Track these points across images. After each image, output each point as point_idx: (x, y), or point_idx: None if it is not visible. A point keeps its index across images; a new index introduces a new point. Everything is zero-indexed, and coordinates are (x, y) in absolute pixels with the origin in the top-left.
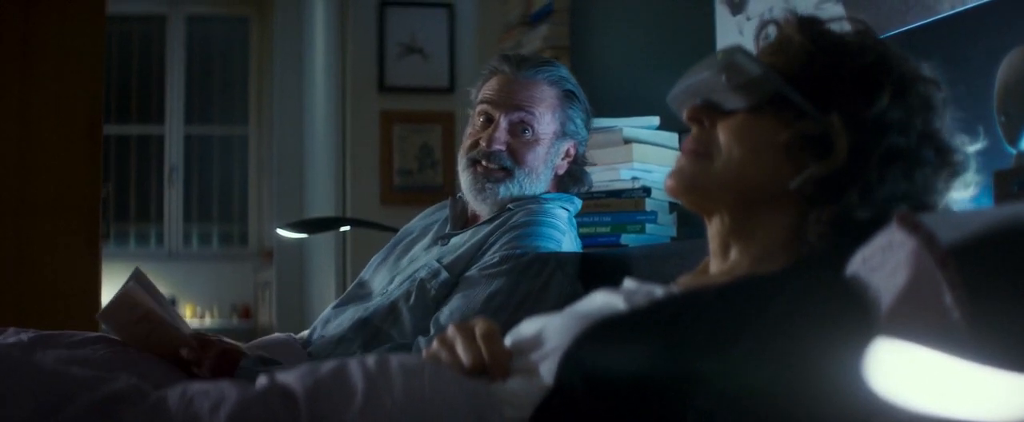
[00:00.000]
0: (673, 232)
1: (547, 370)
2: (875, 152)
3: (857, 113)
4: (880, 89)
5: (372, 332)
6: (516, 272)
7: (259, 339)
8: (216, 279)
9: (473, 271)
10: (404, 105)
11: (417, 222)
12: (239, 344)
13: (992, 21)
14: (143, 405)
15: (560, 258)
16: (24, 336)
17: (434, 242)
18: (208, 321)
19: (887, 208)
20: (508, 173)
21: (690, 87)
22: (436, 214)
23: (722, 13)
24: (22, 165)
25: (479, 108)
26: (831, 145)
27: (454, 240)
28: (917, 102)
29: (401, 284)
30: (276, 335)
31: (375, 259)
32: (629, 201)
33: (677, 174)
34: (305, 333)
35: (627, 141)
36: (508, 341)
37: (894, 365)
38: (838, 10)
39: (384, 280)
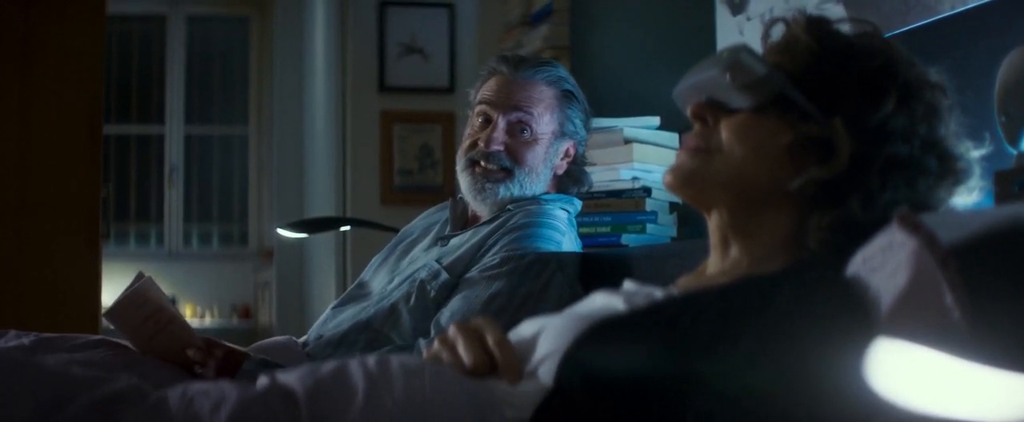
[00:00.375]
0: (673, 232)
1: (547, 371)
2: (877, 159)
3: (861, 118)
4: (885, 94)
5: (372, 334)
6: (516, 273)
7: (260, 342)
8: (216, 279)
9: (473, 272)
10: (404, 105)
11: (417, 223)
12: (242, 348)
13: (992, 21)
14: (143, 405)
15: (560, 259)
16: (25, 340)
17: (434, 243)
18: (208, 321)
19: (888, 214)
20: (507, 173)
21: (695, 84)
22: (436, 215)
23: (722, 13)
24: (22, 165)
25: (477, 109)
26: (833, 149)
27: (454, 241)
28: (922, 109)
29: (401, 285)
30: (277, 338)
31: (375, 260)
32: (629, 201)
33: (676, 169)
34: (306, 336)
35: (627, 141)
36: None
37: (894, 365)
38: (839, 10)
39: (384, 281)
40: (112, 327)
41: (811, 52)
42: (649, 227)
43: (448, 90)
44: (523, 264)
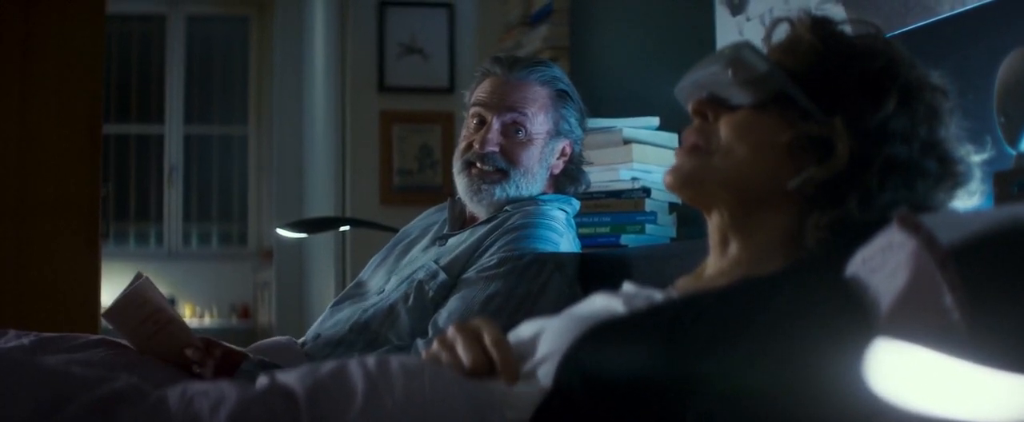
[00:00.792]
0: (673, 232)
1: (546, 372)
2: (877, 159)
3: (861, 118)
4: (886, 95)
5: (371, 335)
6: (515, 274)
7: (259, 342)
8: (215, 279)
9: (471, 273)
10: (404, 105)
11: (416, 223)
12: (240, 348)
13: (992, 22)
14: (143, 405)
15: (558, 260)
16: (25, 340)
17: (432, 243)
18: (207, 321)
19: (887, 215)
20: (503, 174)
21: (697, 80)
22: (435, 215)
23: (722, 13)
24: (21, 165)
25: (472, 110)
26: (833, 148)
27: (451, 241)
28: (923, 110)
29: (399, 285)
30: (276, 338)
31: (374, 260)
32: (629, 201)
33: (676, 170)
34: (305, 336)
35: (627, 141)
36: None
37: (894, 366)
38: (839, 11)
39: (382, 280)
40: (111, 327)
41: (814, 52)
42: (648, 227)
43: (448, 90)
44: (521, 264)
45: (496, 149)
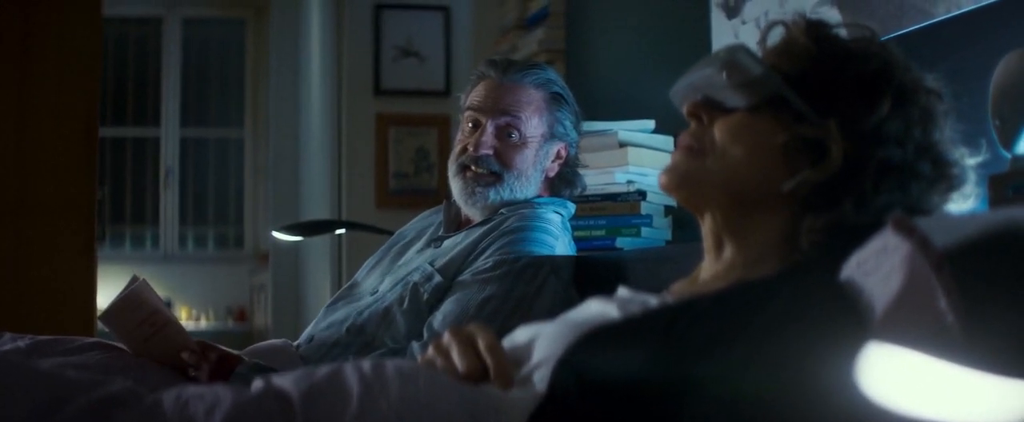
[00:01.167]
0: (668, 235)
1: (541, 378)
2: (871, 162)
3: (855, 121)
4: (881, 98)
5: (366, 337)
6: (510, 277)
7: (255, 345)
8: (212, 282)
9: (466, 275)
10: (400, 108)
11: (412, 225)
12: (237, 352)
13: (987, 25)
14: (138, 408)
15: (554, 263)
16: (21, 343)
17: (427, 245)
18: (203, 324)
19: (881, 218)
20: (497, 177)
21: (691, 82)
22: (431, 218)
23: (718, 17)
24: (18, 167)
25: (467, 114)
26: (828, 151)
27: (446, 243)
28: (917, 113)
29: (394, 288)
30: (272, 341)
31: (369, 261)
32: (624, 204)
33: (671, 170)
34: (300, 339)
35: (622, 144)
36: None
37: (888, 370)
38: (834, 14)
39: (376, 282)
40: (107, 330)
41: (809, 54)
42: (644, 230)
43: (444, 93)
44: (516, 268)
45: (490, 152)
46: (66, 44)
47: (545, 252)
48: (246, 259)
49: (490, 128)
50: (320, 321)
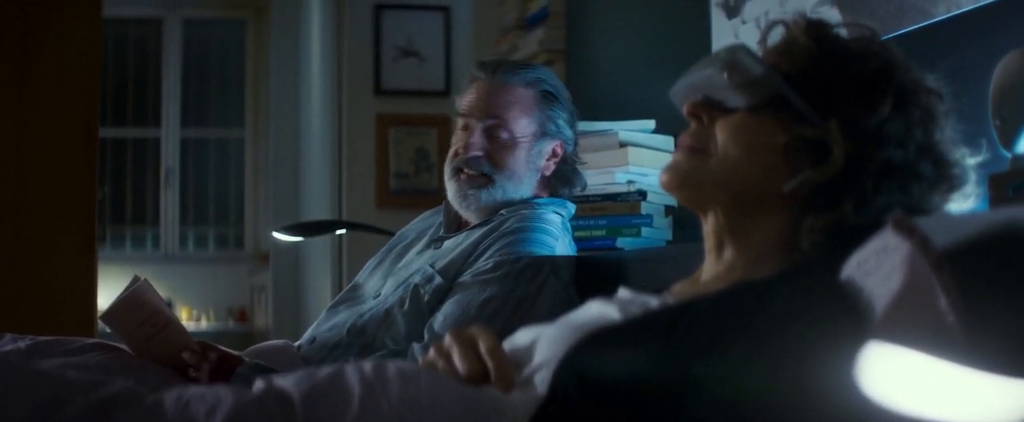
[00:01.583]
0: (669, 235)
1: (542, 380)
2: (872, 163)
3: (856, 121)
4: (881, 98)
5: (368, 339)
6: (510, 278)
7: (257, 345)
8: (212, 282)
9: (467, 277)
10: (400, 108)
11: (413, 226)
12: (238, 353)
13: (987, 25)
14: (139, 408)
15: (554, 263)
16: (21, 343)
17: (428, 246)
18: (204, 324)
19: (882, 218)
20: (488, 179)
21: (692, 82)
22: (432, 218)
23: (718, 16)
24: (18, 167)
25: (459, 117)
26: (829, 151)
27: (447, 244)
28: (918, 114)
29: (395, 289)
30: (274, 342)
31: (370, 263)
32: (625, 204)
33: (672, 169)
34: (301, 339)
35: (623, 144)
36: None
37: (888, 369)
38: (835, 14)
39: (378, 284)
40: (109, 330)
41: (809, 54)
42: (644, 230)
43: (444, 93)
44: (517, 268)
45: (480, 153)
46: (66, 44)
47: (545, 252)
48: (246, 259)
49: (479, 130)
50: (322, 323)
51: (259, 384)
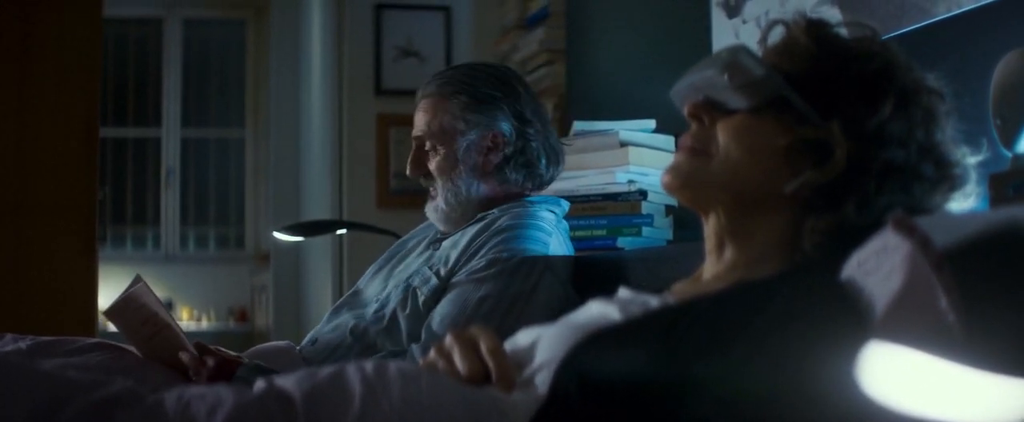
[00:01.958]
0: (669, 235)
1: (542, 380)
2: (874, 163)
3: (858, 122)
4: (883, 99)
5: (369, 341)
6: (505, 275)
7: (258, 346)
8: (213, 282)
9: (461, 276)
10: (400, 108)
11: (415, 232)
12: (239, 355)
13: (988, 24)
14: (139, 408)
15: (549, 259)
16: (22, 344)
17: (427, 248)
18: (204, 324)
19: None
20: (434, 190)
21: (693, 83)
22: (432, 224)
23: (718, 16)
24: (19, 167)
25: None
26: (830, 152)
27: (444, 244)
28: (919, 114)
29: (395, 291)
30: (276, 343)
31: (371, 268)
32: (625, 204)
33: (674, 170)
34: (304, 341)
35: (623, 144)
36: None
37: (889, 369)
38: (835, 13)
39: (379, 287)
40: (112, 325)
41: (810, 54)
42: (645, 230)
43: None
44: (510, 266)
45: (418, 171)
46: (66, 45)
47: (539, 248)
48: (247, 259)
49: (413, 148)
50: (323, 325)
51: (260, 384)
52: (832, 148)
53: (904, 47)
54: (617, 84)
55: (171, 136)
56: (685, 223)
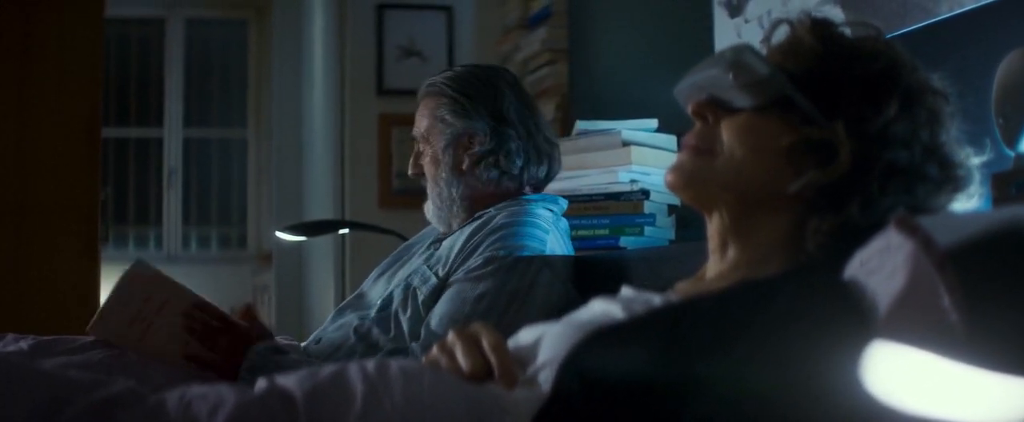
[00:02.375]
0: (672, 235)
1: (545, 379)
2: (878, 164)
3: (863, 122)
4: (887, 99)
5: (372, 340)
6: (502, 272)
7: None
8: (215, 282)
9: (459, 274)
10: (402, 108)
11: (419, 236)
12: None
13: (990, 23)
14: (140, 408)
15: (546, 256)
16: (24, 344)
17: (427, 248)
18: None
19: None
20: (426, 191)
21: (697, 82)
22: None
23: (720, 15)
24: (21, 168)
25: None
26: (834, 152)
27: (444, 244)
28: (924, 115)
29: (396, 290)
30: (279, 339)
31: (375, 272)
32: (628, 203)
33: (678, 169)
34: (307, 341)
35: (625, 143)
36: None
37: (892, 368)
38: (838, 13)
39: (382, 288)
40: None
41: (814, 54)
42: (647, 230)
43: None
44: (507, 263)
45: (416, 170)
46: (67, 45)
47: (535, 245)
48: (249, 259)
49: (414, 150)
50: (328, 326)
51: (261, 383)
52: (836, 148)
53: (907, 46)
54: (619, 83)
55: (173, 136)
56: (687, 223)
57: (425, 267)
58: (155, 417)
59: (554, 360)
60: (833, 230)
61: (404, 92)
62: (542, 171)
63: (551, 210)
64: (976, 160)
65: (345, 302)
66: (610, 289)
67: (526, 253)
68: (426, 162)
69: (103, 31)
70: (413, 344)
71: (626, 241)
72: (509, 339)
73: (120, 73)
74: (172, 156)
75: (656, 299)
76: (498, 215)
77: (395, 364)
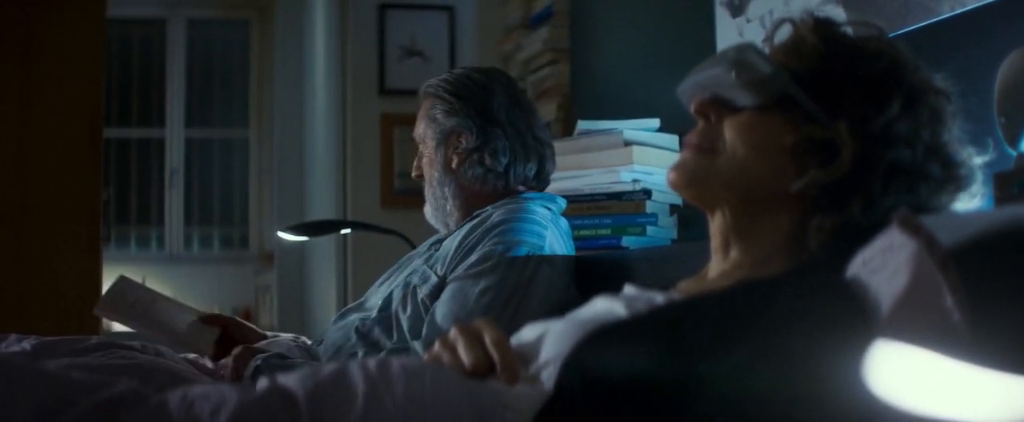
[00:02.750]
0: (674, 234)
1: (548, 376)
2: (880, 163)
3: (865, 122)
4: (890, 98)
5: (374, 339)
6: (501, 268)
7: (267, 340)
8: (217, 282)
9: (459, 271)
10: (404, 108)
11: (422, 245)
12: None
13: (992, 23)
14: (143, 409)
15: (544, 252)
16: (26, 344)
17: (429, 249)
18: None
19: (889, 219)
20: (423, 194)
21: (700, 81)
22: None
23: (722, 15)
24: (23, 168)
25: None
26: (837, 151)
27: (445, 243)
28: (926, 114)
29: (397, 290)
30: (284, 336)
31: (381, 278)
32: (630, 203)
33: (680, 167)
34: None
35: (627, 143)
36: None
37: (894, 367)
38: (839, 12)
39: (386, 291)
40: (115, 325)
41: (817, 53)
42: (649, 229)
43: None
44: (507, 258)
45: (418, 173)
46: (69, 45)
47: (533, 240)
48: (251, 259)
49: (415, 157)
50: (330, 327)
51: (263, 382)
52: (838, 147)
53: (909, 46)
54: (621, 83)
55: (175, 136)
56: (689, 222)
57: (425, 267)
58: (158, 417)
59: (557, 358)
60: (835, 229)
61: (406, 92)
62: (531, 170)
63: (549, 208)
64: (978, 159)
65: (347, 307)
66: (612, 289)
67: (524, 249)
68: (425, 164)
69: (105, 31)
70: (414, 342)
71: (628, 241)
72: (511, 336)
73: (122, 73)
74: (174, 156)
75: (659, 298)
76: (495, 213)
77: (396, 362)
